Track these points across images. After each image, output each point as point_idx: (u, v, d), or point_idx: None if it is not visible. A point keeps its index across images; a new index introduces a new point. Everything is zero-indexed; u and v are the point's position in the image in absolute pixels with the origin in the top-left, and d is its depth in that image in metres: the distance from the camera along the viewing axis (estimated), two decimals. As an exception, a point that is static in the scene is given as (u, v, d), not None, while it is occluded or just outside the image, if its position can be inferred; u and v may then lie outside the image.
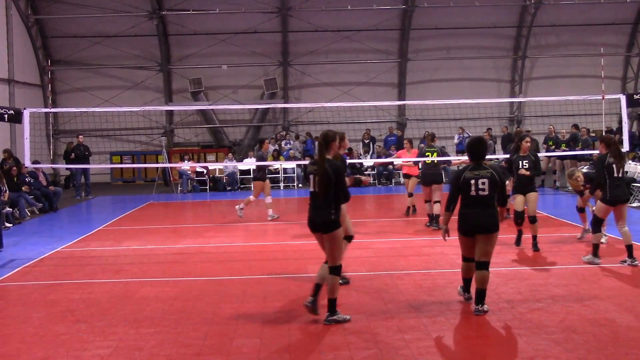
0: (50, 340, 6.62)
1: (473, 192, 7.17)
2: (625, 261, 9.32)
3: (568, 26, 26.82)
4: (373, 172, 23.54)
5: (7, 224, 14.47)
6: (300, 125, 27.23)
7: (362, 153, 24.65)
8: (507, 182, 10.06)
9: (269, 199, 14.90)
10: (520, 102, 26.69)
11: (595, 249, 9.47)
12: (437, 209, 13.21)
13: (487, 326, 6.71)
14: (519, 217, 10.57)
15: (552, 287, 8.28)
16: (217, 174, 23.56)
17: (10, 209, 15.31)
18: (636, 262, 9.24)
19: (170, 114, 26.88)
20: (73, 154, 21.65)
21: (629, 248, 9.33)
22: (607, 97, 14.21)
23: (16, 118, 12.61)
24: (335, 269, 6.91)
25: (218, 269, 9.91)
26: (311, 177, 6.99)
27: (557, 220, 13.53)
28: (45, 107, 25.22)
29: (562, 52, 27.21)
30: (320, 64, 26.69)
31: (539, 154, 15.00)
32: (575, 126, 21.84)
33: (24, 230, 14.47)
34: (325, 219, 6.85)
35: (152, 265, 10.31)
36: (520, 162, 10.55)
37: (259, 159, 15.22)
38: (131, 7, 25.14)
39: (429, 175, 13.52)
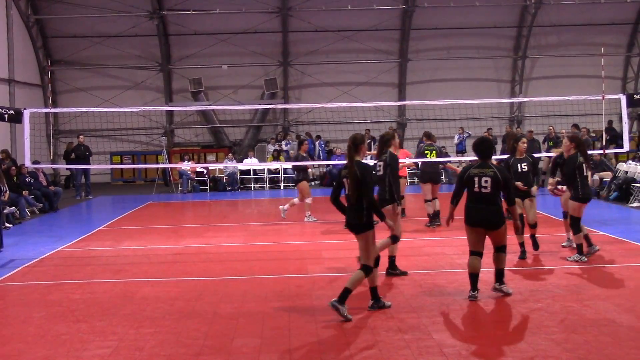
0: (51, 340, 6.62)
1: (476, 189, 7.61)
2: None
3: (568, 26, 26.81)
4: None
5: (7, 224, 14.47)
6: (301, 126, 27.23)
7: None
8: None
9: (309, 200, 14.47)
10: (520, 102, 26.69)
11: (580, 248, 9.62)
12: (437, 205, 13.28)
13: (487, 326, 6.71)
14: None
15: (552, 287, 8.28)
16: (217, 174, 23.57)
17: (12, 208, 15.31)
18: (584, 259, 9.55)
19: (170, 114, 26.88)
20: (73, 154, 21.66)
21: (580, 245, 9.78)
22: (607, 97, 14.19)
23: (16, 118, 12.62)
24: (366, 268, 7.06)
25: (218, 269, 9.91)
26: (344, 180, 7.23)
27: (557, 221, 13.51)
28: (46, 107, 25.21)
29: (562, 52, 27.21)
30: (321, 64, 26.68)
31: (539, 154, 15.00)
32: (576, 126, 21.85)
33: (24, 230, 14.47)
34: (356, 221, 7.09)
35: (152, 265, 10.31)
36: (518, 165, 10.17)
37: (299, 159, 14.88)
38: (131, 7, 25.14)
39: (428, 174, 13.56)
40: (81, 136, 22.18)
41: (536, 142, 21.25)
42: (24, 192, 16.50)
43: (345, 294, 6.90)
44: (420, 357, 5.90)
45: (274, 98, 26.58)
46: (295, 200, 14.67)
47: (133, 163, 26.14)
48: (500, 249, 7.74)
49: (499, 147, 23.01)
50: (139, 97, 26.32)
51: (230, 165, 22.92)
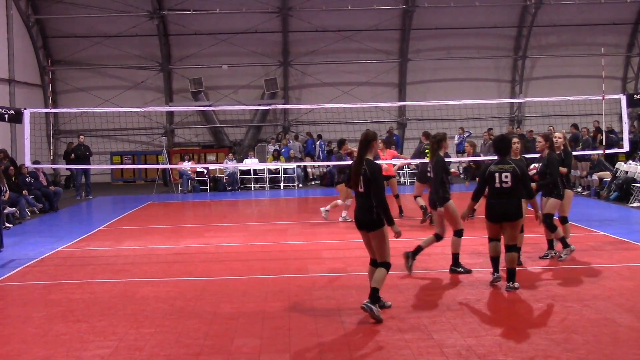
0: (51, 340, 6.62)
1: (497, 184, 8.07)
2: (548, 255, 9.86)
3: (568, 26, 26.80)
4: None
5: (8, 224, 14.47)
6: (301, 125, 27.23)
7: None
8: None
9: (349, 202, 14.20)
10: (520, 102, 26.68)
11: (564, 241, 9.68)
12: None
13: (486, 326, 6.71)
14: None
15: (552, 287, 8.28)
16: (217, 174, 23.57)
17: (13, 209, 15.32)
18: (560, 256, 9.64)
19: (170, 114, 26.88)
20: (73, 154, 21.66)
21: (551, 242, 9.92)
22: (607, 97, 14.20)
23: (16, 118, 12.62)
24: (385, 264, 7.03)
25: (218, 269, 9.91)
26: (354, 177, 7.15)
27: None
28: (46, 107, 25.20)
29: (562, 52, 27.20)
30: (321, 64, 26.68)
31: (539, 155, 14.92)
32: (575, 126, 21.84)
33: (24, 230, 14.47)
34: (368, 218, 7.01)
35: (152, 265, 10.31)
36: None
37: (342, 159, 14.68)
38: (132, 7, 25.14)
39: (425, 173, 13.59)
40: (81, 136, 22.18)
41: (536, 142, 21.22)
42: (23, 191, 16.51)
43: (375, 293, 6.91)
44: (420, 357, 5.90)
45: (274, 98, 26.59)
46: (339, 201, 14.33)
47: (133, 163, 26.13)
48: (512, 248, 8.09)
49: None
50: (139, 97, 26.31)
51: (230, 165, 22.92)
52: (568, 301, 7.56)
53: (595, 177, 18.31)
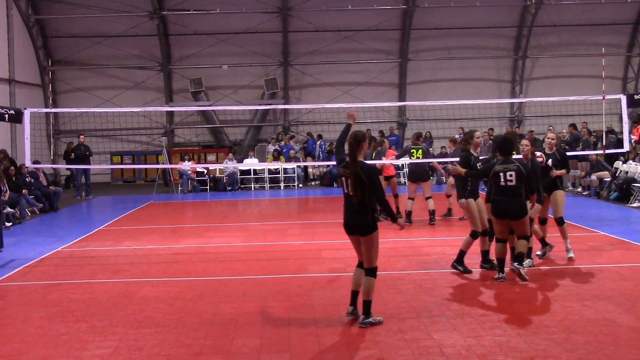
0: (51, 340, 6.62)
1: (502, 183, 8.35)
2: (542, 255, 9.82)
3: (569, 26, 26.79)
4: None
5: (8, 224, 14.47)
6: (301, 125, 27.23)
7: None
8: None
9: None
10: (520, 102, 26.67)
11: (543, 241, 9.78)
12: (432, 204, 13.40)
13: (486, 326, 6.71)
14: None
15: (552, 287, 8.28)
16: (217, 174, 23.57)
17: (11, 210, 15.31)
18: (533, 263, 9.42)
19: (170, 114, 26.87)
20: (73, 154, 21.65)
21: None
22: (607, 97, 14.19)
23: (17, 118, 12.62)
24: (372, 271, 6.84)
25: (218, 269, 9.91)
26: (343, 179, 6.94)
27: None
28: (46, 107, 25.20)
29: (562, 52, 27.19)
30: (321, 64, 26.68)
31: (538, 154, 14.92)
32: (573, 126, 21.83)
33: (24, 230, 14.47)
34: (362, 222, 6.80)
35: (152, 265, 10.31)
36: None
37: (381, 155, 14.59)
38: (132, 7, 25.13)
39: (415, 172, 13.63)
40: (81, 136, 22.18)
41: (537, 142, 21.20)
42: (23, 190, 16.51)
43: (368, 305, 6.79)
44: (420, 357, 5.90)
45: (274, 98, 26.58)
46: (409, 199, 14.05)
47: (133, 163, 26.13)
48: (523, 237, 8.42)
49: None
50: (139, 97, 26.30)
51: (230, 165, 22.92)
52: (568, 301, 7.56)
53: (594, 177, 18.31)
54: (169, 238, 12.84)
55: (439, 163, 16.96)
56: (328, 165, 24.06)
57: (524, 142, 9.53)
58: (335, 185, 23.54)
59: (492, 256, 9.08)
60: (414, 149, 13.71)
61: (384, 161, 13.98)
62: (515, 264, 8.38)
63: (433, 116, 23.87)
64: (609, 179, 17.79)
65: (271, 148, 24.73)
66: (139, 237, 12.98)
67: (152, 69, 26.60)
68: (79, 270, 10.04)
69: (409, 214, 13.55)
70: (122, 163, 26.03)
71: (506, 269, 8.65)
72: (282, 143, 25.01)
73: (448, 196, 14.39)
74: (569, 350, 5.97)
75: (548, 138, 10.02)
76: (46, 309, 7.79)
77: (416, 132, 14.55)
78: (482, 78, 27.37)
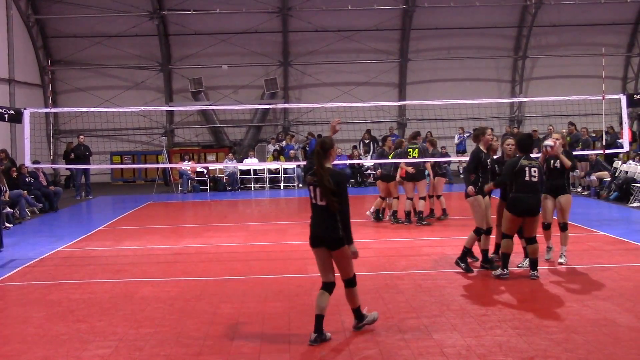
0: (51, 340, 6.62)
1: (527, 178, 8.43)
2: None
3: (569, 26, 26.79)
4: (374, 173, 23.51)
5: (7, 224, 14.47)
6: (301, 125, 27.23)
7: (362, 153, 24.66)
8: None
9: (390, 199, 14.11)
10: (520, 102, 26.67)
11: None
12: (422, 205, 13.42)
13: (486, 326, 6.70)
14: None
15: (552, 287, 8.28)
16: (217, 174, 23.56)
17: (11, 210, 15.31)
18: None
19: (170, 114, 26.87)
20: (73, 154, 21.65)
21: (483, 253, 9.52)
22: (607, 97, 14.19)
23: (16, 118, 12.63)
24: (351, 281, 6.49)
25: (218, 269, 9.91)
26: (311, 188, 6.43)
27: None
28: (46, 107, 25.17)
29: (562, 52, 27.19)
30: (321, 64, 26.67)
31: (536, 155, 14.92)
32: (571, 123, 21.83)
33: (24, 230, 14.47)
34: (331, 235, 6.29)
35: (152, 265, 10.31)
36: (495, 165, 9.66)
37: (380, 156, 14.45)
38: (132, 7, 25.13)
39: (410, 173, 13.63)
40: (81, 136, 22.17)
41: (540, 142, 21.17)
42: (24, 191, 16.50)
43: (357, 311, 6.60)
44: (420, 357, 5.90)
45: (274, 98, 26.58)
46: (387, 200, 14.07)
47: (133, 163, 26.13)
48: (533, 240, 8.57)
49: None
50: (139, 97, 26.29)
51: (230, 165, 22.91)
52: (568, 301, 7.57)
53: (594, 177, 18.31)
54: (169, 238, 12.84)
55: (438, 163, 16.86)
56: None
57: (509, 141, 9.49)
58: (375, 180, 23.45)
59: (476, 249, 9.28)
60: (410, 148, 13.71)
61: (394, 160, 13.85)
62: (534, 272, 8.55)
63: (433, 116, 23.85)
64: (608, 179, 17.79)
65: (271, 148, 24.73)
66: (139, 237, 12.98)
67: (152, 69, 26.59)
68: (79, 270, 10.04)
69: (408, 214, 13.58)
70: (122, 163, 26.03)
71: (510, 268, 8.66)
72: (284, 143, 25.04)
73: (438, 196, 14.31)
74: (569, 350, 5.97)
75: (553, 138, 9.71)
76: (46, 309, 7.78)
77: (413, 132, 14.52)
78: (482, 78, 27.38)
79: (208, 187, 23.04)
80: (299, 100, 26.84)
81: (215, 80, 26.66)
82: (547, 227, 9.60)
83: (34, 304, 8.03)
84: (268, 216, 16.42)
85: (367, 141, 25.17)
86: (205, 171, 23.02)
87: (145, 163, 25.98)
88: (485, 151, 9.24)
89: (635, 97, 14.72)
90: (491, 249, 9.39)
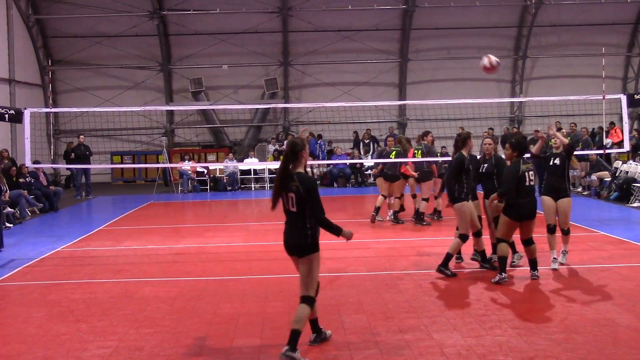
0: (51, 340, 6.62)
1: (527, 183, 8.32)
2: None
3: (569, 26, 26.79)
4: (371, 172, 23.54)
5: (8, 224, 14.47)
6: (301, 125, 27.21)
7: (362, 153, 24.67)
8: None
9: (391, 200, 14.14)
10: (520, 102, 26.68)
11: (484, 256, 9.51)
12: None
13: (486, 326, 6.70)
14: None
15: (552, 287, 8.28)
16: (217, 174, 23.57)
17: (11, 209, 15.32)
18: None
19: (170, 113, 26.88)
20: (73, 154, 21.65)
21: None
22: (607, 97, 14.19)
23: (17, 118, 12.63)
24: (308, 299, 5.94)
25: (218, 269, 9.91)
26: (283, 193, 6.07)
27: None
28: (46, 107, 25.19)
29: (562, 52, 27.19)
30: (321, 64, 26.68)
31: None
32: (574, 124, 21.83)
33: (25, 230, 14.47)
34: (299, 242, 5.97)
35: (152, 265, 10.31)
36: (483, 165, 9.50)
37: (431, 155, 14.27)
38: (132, 7, 25.13)
39: (389, 175, 13.70)
40: (81, 136, 22.17)
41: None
42: (24, 191, 16.50)
43: (295, 337, 5.78)
44: (420, 357, 5.90)
45: (274, 98, 26.58)
46: (380, 198, 13.97)
47: (133, 163, 26.15)
48: (529, 241, 8.47)
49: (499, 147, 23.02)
50: (139, 97, 26.31)
51: (230, 165, 22.92)
52: (568, 301, 7.57)
53: (594, 177, 18.31)
54: (169, 238, 12.84)
55: (436, 162, 16.78)
56: (328, 165, 24.07)
57: (487, 140, 9.50)
58: (335, 185, 23.55)
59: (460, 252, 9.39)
60: (416, 149, 13.76)
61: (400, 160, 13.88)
62: (534, 272, 8.52)
63: (433, 116, 23.85)
64: (609, 179, 17.79)
65: (271, 148, 24.72)
66: (139, 237, 12.98)
67: (152, 69, 26.60)
68: (79, 270, 10.04)
69: (422, 214, 13.60)
70: (122, 163, 26.04)
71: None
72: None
73: (435, 197, 14.27)
74: (569, 350, 5.97)
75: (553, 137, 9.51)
76: (46, 309, 7.78)
77: (423, 132, 14.47)
78: (482, 78, 27.28)
79: (208, 187, 23.04)
80: (299, 100, 26.84)
81: (215, 80, 26.67)
82: (551, 230, 9.23)
83: (34, 304, 8.03)
84: (268, 216, 16.38)
85: (367, 141, 25.18)
86: (206, 171, 23.03)
87: (146, 163, 25.98)
88: (468, 157, 9.13)
89: (636, 97, 14.74)
90: (488, 250, 9.42)
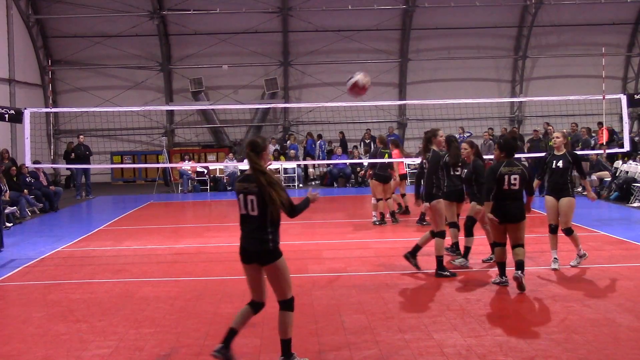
0: (51, 340, 6.63)
1: (505, 187, 8.08)
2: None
3: (569, 26, 26.78)
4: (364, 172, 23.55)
5: (8, 224, 14.47)
6: (301, 125, 27.23)
7: (362, 153, 24.66)
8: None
9: (389, 202, 14.03)
10: (520, 102, 26.66)
11: (467, 250, 9.65)
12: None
13: (486, 326, 6.71)
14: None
15: (552, 287, 8.28)
16: (217, 174, 23.57)
17: (14, 208, 15.32)
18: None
19: (170, 113, 26.86)
20: (73, 154, 21.66)
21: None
22: (607, 97, 14.19)
23: (17, 118, 12.64)
24: (287, 304, 5.69)
25: (218, 269, 9.91)
26: (241, 196, 5.68)
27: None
28: (46, 107, 25.18)
29: (562, 52, 27.18)
30: (321, 63, 26.66)
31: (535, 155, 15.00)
32: (575, 124, 21.85)
33: (25, 230, 14.47)
34: (262, 248, 5.60)
35: (152, 265, 10.32)
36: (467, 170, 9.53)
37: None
38: (132, 7, 25.12)
39: (381, 175, 13.75)
40: (81, 136, 22.17)
41: (542, 142, 21.19)
42: (24, 191, 16.51)
43: (287, 345, 5.70)
44: (420, 357, 5.90)
45: (274, 98, 26.57)
46: (372, 200, 14.00)
47: (133, 163, 26.14)
48: (519, 245, 8.17)
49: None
50: (139, 97, 26.29)
51: (230, 165, 22.92)
52: (568, 301, 7.57)
53: (594, 177, 18.31)
54: (169, 238, 12.84)
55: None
56: (328, 165, 24.07)
57: (464, 145, 9.47)
58: (335, 185, 23.54)
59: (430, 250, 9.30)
60: (385, 152, 13.89)
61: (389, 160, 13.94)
62: (518, 272, 7.97)
63: (433, 116, 23.85)
64: (609, 179, 17.79)
65: (271, 148, 24.71)
66: (139, 237, 12.98)
67: (152, 69, 26.59)
68: (79, 270, 10.04)
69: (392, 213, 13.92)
70: (122, 163, 26.04)
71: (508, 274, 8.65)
72: (289, 143, 25.07)
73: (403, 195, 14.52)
74: (569, 350, 5.97)
75: (554, 137, 9.57)
76: (46, 309, 7.79)
77: (380, 136, 14.71)
78: (482, 78, 27.37)
79: (208, 187, 23.04)
80: (299, 100, 26.83)
81: (215, 80, 26.66)
82: (553, 230, 9.21)
83: (34, 304, 8.04)
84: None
85: (367, 141, 25.17)
86: (206, 171, 23.02)
87: (146, 163, 25.98)
88: (441, 152, 9.22)
89: (636, 97, 14.75)
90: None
